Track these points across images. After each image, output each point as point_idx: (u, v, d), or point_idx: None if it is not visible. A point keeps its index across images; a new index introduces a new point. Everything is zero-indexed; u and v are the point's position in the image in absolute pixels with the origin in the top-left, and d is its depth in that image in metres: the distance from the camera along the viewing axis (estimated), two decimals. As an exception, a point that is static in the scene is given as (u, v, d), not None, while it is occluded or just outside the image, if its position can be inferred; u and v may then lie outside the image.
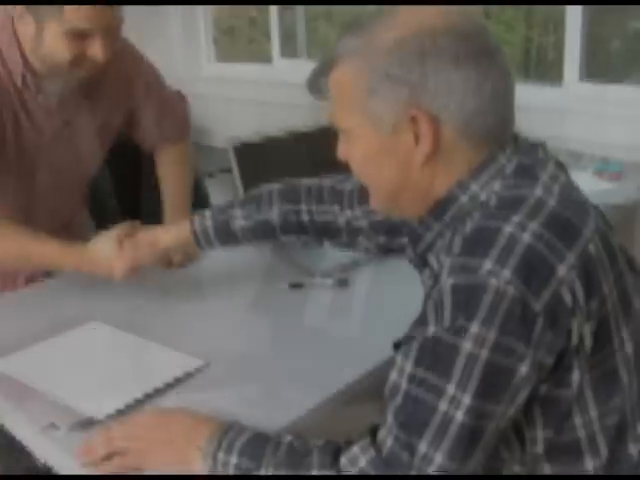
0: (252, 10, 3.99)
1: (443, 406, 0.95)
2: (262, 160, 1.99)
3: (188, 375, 1.35)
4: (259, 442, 1.09)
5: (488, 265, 0.94)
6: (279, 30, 3.65)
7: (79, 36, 1.64)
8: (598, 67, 2.83)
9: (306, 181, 1.54)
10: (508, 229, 0.97)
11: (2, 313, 1.67)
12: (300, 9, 3.73)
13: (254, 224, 1.51)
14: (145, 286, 1.71)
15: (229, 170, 1.98)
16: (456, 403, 0.94)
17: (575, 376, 1.00)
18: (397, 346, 1.03)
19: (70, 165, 1.96)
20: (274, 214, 1.49)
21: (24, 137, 1.83)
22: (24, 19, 1.67)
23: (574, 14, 2.69)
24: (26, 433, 1.25)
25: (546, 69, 3.24)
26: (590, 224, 1.03)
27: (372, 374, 1.34)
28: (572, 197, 1.06)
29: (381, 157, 1.09)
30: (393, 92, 1.03)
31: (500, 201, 1.03)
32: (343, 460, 1.01)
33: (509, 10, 3.34)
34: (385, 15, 1.07)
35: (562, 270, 0.95)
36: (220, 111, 3.75)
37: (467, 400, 0.94)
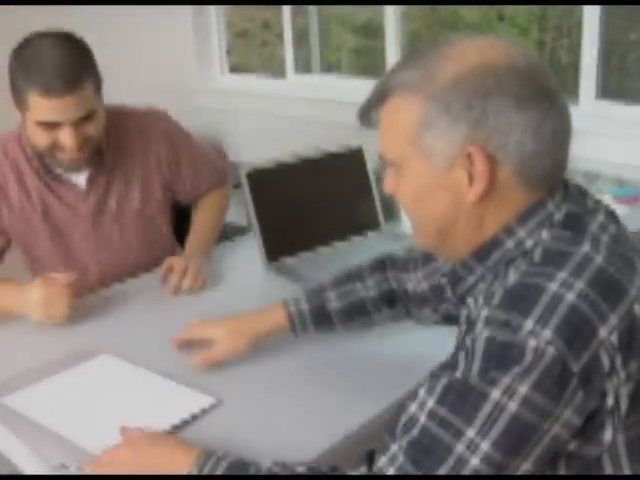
0: (265, 13, 3.98)
1: (460, 448, 0.95)
2: (274, 186, 2.01)
3: (203, 412, 1.37)
4: (239, 468, 1.11)
5: (529, 325, 0.94)
6: (292, 41, 3.65)
7: (49, 126, 1.77)
8: (614, 86, 2.83)
9: (390, 254, 1.56)
10: (553, 288, 0.96)
11: (11, 344, 1.70)
12: (313, 15, 3.72)
13: (348, 304, 1.50)
14: (156, 318, 1.74)
15: (239, 185, 2.01)
16: (473, 447, 0.94)
17: (607, 436, 0.98)
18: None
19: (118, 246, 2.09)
20: (367, 286, 1.50)
21: (60, 220, 1.99)
22: (17, 108, 1.82)
23: (591, 31, 2.66)
24: (35, 470, 1.26)
25: (560, 73, 3.22)
26: (637, 281, 1.01)
27: (388, 412, 1.36)
28: (620, 251, 1.04)
29: (431, 193, 1.07)
30: (451, 127, 1.02)
31: (546, 255, 1.01)
32: None
33: (523, 13, 3.33)
34: (442, 47, 1.06)
35: (603, 332, 0.95)
36: (232, 123, 3.76)
37: (485, 447, 0.94)
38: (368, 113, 1.14)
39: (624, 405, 0.98)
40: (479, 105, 1.00)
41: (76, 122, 1.77)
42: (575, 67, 2.76)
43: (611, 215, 1.10)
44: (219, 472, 1.10)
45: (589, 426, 0.97)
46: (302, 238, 2.04)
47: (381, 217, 2.16)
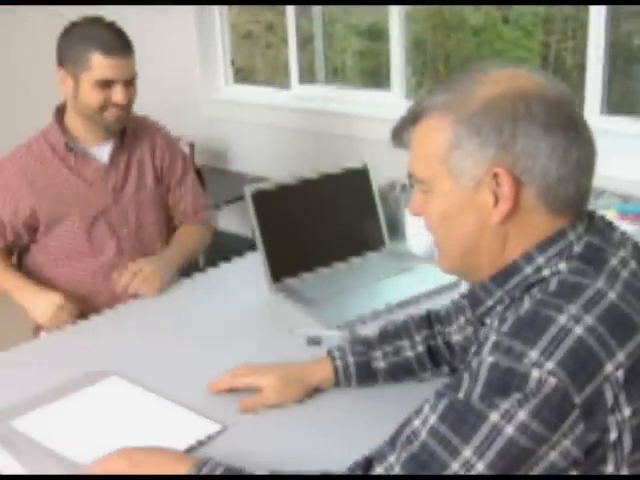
0: (270, 15, 3.98)
1: (455, 466, 0.97)
2: (280, 207, 2.02)
3: (208, 438, 1.38)
4: (236, 471, 1.15)
5: (534, 355, 0.95)
6: (297, 46, 3.65)
7: (105, 85, 2.09)
8: (619, 101, 2.83)
9: (435, 309, 1.56)
10: (562, 320, 0.97)
11: (22, 366, 1.71)
12: (318, 18, 3.72)
13: (394, 364, 1.50)
14: (164, 338, 1.76)
15: (242, 197, 2.02)
16: (468, 467, 0.96)
17: (609, 470, 1.00)
18: None
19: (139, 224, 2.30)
20: (414, 343, 1.50)
21: (83, 197, 2.20)
22: (65, 81, 2.13)
23: (596, 41, 2.67)
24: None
25: (565, 75, 3.22)
26: None
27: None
28: (637, 287, 1.04)
29: (458, 213, 1.10)
30: (480, 149, 1.05)
31: (560, 286, 1.02)
32: None
33: (527, 16, 3.32)
34: (477, 74, 1.10)
35: (609, 367, 0.96)
36: (237, 134, 3.77)
37: (480, 467, 0.96)
38: (401, 133, 1.17)
39: (628, 441, 0.99)
40: (508, 129, 1.03)
41: (126, 82, 2.11)
42: (580, 68, 2.76)
43: (637, 250, 1.11)
44: (218, 473, 1.14)
45: (590, 459, 0.98)
46: (308, 259, 2.04)
47: (386, 237, 2.16)
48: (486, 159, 1.05)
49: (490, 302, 1.14)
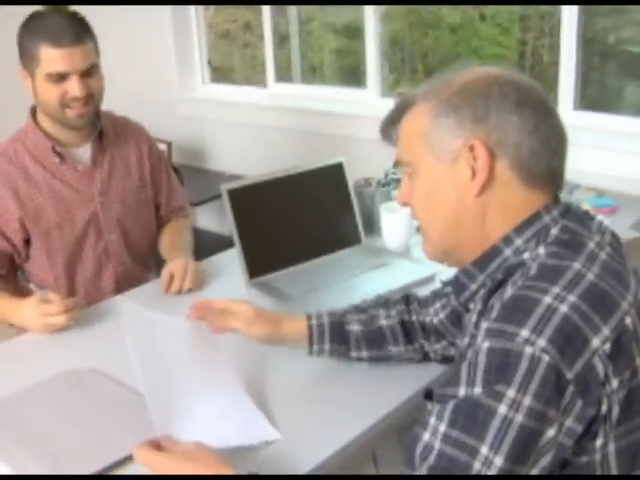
0: (247, 14, 3.98)
1: (477, 465, 0.98)
2: (255, 203, 2.02)
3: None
4: None
5: (525, 333, 0.98)
6: (273, 45, 3.66)
7: (59, 78, 1.96)
8: (595, 97, 2.85)
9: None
10: (547, 300, 1.01)
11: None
12: (294, 17, 3.73)
13: (367, 330, 1.54)
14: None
15: (219, 196, 2.02)
16: (488, 463, 0.97)
17: (598, 443, 1.02)
18: (428, 396, 1.08)
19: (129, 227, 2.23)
20: (390, 315, 1.55)
21: (69, 204, 2.10)
22: (24, 76, 2.01)
23: (569, 40, 2.69)
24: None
25: (541, 72, 3.24)
26: (628, 297, 1.06)
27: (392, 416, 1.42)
28: (615, 268, 1.10)
29: (440, 189, 1.17)
30: (456, 124, 1.13)
31: (540, 270, 1.06)
32: None
33: (504, 13, 3.33)
34: (455, 69, 1.20)
35: (596, 341, 0.99)
36: (214, 133, 3.77)
37: (499, 462, 0.97)
38: (389, 128, 1.25)
39: (615, 413, 1.01)
40: (482, 105, 1.12)
41: (82, 73, 1.97)
42: (557, 65, 2.77)
43: (612, 236, 1.18)
44: None
45: (585, 434, 1.01)
46: (284, 254, 2.04)
47: (362, 232, 2.17)
48: (463, 133, 1.13)
49: (474, 287, 1.19)
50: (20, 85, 2.07)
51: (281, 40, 3.74)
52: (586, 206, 2.22)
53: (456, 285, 1.24)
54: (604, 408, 1.00)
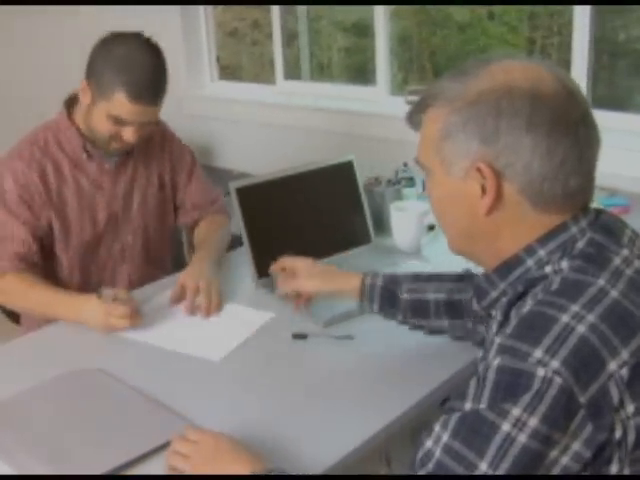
0: (255, 12, 3.97)
1: None
2: (265, 201, 2.02)
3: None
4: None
5: (538, 354, 0.95)
6: (282, 43, 3.65)
7: (119, 122, 1.93)
8: (604, 96, 2.83)
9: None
10: (564, 319, 0.97)
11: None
12: (302, 15, 3.72)
13: (414, 300, 1.58)
14: (149, 341, 1.75)
15: (227, 194, 2.03)
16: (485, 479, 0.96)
17: (613, 469, 1.00)
18: (443, 403, 1.07)
19: (148, 224, 2.22)
20: (440, 289, 1.57)
21: (93, 203, 2.10)
22: (85, 92, 1.96)
23: (581, 40, 2.67)
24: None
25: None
26: None
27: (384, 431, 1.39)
28: None
29: (451, 200, 1.15)
30: (465, 141, 1.09)
31: (562, 285, 1.03)
32: None
33: (513, 12, 3.32)
34: (482, 64, 1.12)
35: (613, 366, 0.96)
36: (222, 130, 3.76)
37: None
38: (412, 117, 1.21)
39: (631, 438, 0.99)
40: (491, 124, 1.06)
41: (143, 124, 1.97)
42: (566, 64, 2.76)
43: None
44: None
45: (598, 459, 0.98)
46: (292, 254, 2.03)
47: (372, 231, 2.16)
48: (470, 152, 1.08)
49: (494, 294, 1.17)
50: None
51: (289, 38, 3.73)
52: (597, 206, 2.21)
53: (477, 290, 1.22)
54: (618, 433, 0.97)
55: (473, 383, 1.01)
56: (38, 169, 2.02)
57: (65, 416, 1.45)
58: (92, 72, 1.94)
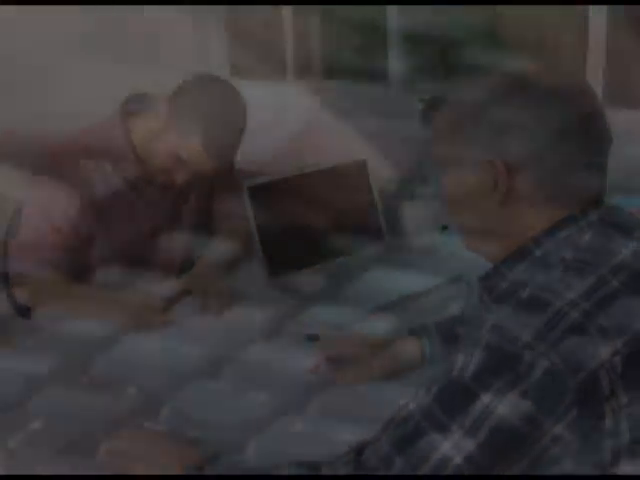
0: (267, 11, 3.97)
1: (446, 446, 0.97)
2: (276, 201, 2.00)
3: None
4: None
5: (527, 338, 0.96)
6: (293, 42, 3.65)
7: (182, 163, 1.85)
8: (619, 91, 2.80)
9: None
10: (558, 304, 0.98)
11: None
12: (314, 14, 3.72)
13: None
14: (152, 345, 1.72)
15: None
16: (458, 449, 0.96)
17: (607, 457, 0.99)
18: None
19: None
20: None
21: (138, 221, 1.99)
22: (165, 121, 1.87)
23: (598, 41, 2.66)
24: None
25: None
26: None
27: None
28: None
29: (464, 194, 1.15)
30: (476, 135, 1.10)
31: (562, 272, 1.03)
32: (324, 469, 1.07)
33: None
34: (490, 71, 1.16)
35: (605, 353, 0.96)
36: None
37: (471, 447, 0.96)
38: (426, 114, 1.27)
39: (625, 429, 0.98)
40: (502, 117, 1.08)
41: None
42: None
43: None
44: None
45: (589, 440, 0.98)
46: (304, 253, 2.02)
47: (385, 231, 2.14)
48: (482, 146, 1.09)
49: (504, 285, 1.14)
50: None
51: (301, 37, 3.73)
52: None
53: (487, 283, 1.20)
54: (608, 423, 0.97)
55: (460, 355, 1.01)
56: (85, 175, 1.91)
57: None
58: (177, 105, 1.88)
